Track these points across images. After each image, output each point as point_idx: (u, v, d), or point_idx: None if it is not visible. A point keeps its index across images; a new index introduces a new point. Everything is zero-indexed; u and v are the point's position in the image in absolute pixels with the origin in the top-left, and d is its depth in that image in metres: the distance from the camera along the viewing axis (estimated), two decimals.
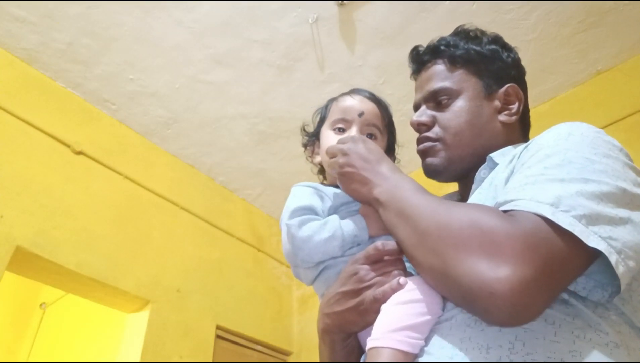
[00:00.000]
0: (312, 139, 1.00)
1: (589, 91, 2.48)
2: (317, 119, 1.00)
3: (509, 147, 0.81)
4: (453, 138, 0.83)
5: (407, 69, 0.98)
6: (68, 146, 2.40)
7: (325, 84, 2.56)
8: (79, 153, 2.43)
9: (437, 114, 0.85)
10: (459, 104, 0.84)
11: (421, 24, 2.29)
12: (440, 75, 0.87)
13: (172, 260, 2.63)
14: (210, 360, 2.57)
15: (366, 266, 0.71)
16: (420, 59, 0.92)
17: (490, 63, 0.87)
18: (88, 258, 2.24)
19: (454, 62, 0.87)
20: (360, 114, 0.91)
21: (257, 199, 3.32)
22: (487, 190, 0.71)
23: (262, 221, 3.36)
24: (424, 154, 0.86)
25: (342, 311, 0.71)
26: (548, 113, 2.54)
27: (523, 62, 0.92)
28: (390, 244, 0.71)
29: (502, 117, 0.84)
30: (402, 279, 0.66)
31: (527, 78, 0.92)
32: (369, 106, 0.94)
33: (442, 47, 0.89)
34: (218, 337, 2.70)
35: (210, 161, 3.01)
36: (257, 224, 3.30)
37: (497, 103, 0.85)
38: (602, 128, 0.67)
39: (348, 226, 0.81)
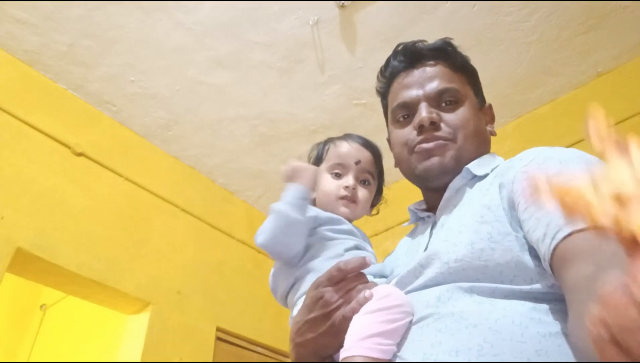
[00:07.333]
0: None
1: (590, 93, 2.47)
2: (314, 155, 1.03)
3: (486, 156, 0.83)
4: (464, 141, 0.81)
5: None
6: (69, 147, 2.40)
7: (326, 86, 2.56)
8: (80, 154, 2.43)
9: (444, 115, 0.82)
10: (465, 109, 0.83)
11: (422, 26, 2.29)
12: (445, 76, 0.85)
13: (172, 262, 2.63)
14: (211, 362, 2.57)
15: (329, 289, 0.70)
16: (419, 55, 0.88)
17: (476, 78, 0.89)
18: (88, 260, 2.24)
19: (454, 68, 0.86)
20: (357, 163, 0.97)
21: (257, 201, 3.32)
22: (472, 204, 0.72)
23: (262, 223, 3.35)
24: (429, 152, 0.81)
25: (315, 337, 0.71)
26: (548, 115, 2.52)
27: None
28: (352, 262, 0.71)
29: (490, 127, 0.88)
30: (367, 292, 0.67)
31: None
32: (365, 155, 0.99)
33: (448, 49, 0.87)
34: (218, 338, 2.69)
35: (210, 163, 3.01)
36: (257, 226, 3.22)
37: (486, 117, 0.89)
38: None
39: (284, 197, 0.91)
